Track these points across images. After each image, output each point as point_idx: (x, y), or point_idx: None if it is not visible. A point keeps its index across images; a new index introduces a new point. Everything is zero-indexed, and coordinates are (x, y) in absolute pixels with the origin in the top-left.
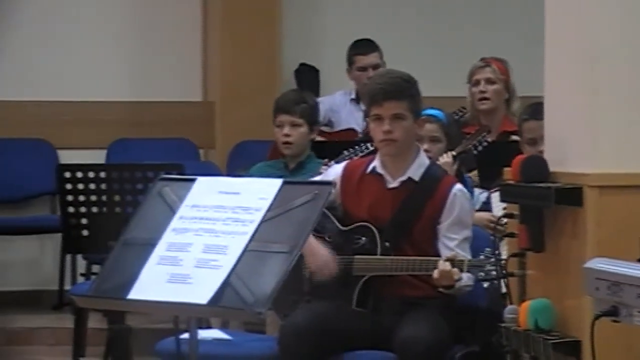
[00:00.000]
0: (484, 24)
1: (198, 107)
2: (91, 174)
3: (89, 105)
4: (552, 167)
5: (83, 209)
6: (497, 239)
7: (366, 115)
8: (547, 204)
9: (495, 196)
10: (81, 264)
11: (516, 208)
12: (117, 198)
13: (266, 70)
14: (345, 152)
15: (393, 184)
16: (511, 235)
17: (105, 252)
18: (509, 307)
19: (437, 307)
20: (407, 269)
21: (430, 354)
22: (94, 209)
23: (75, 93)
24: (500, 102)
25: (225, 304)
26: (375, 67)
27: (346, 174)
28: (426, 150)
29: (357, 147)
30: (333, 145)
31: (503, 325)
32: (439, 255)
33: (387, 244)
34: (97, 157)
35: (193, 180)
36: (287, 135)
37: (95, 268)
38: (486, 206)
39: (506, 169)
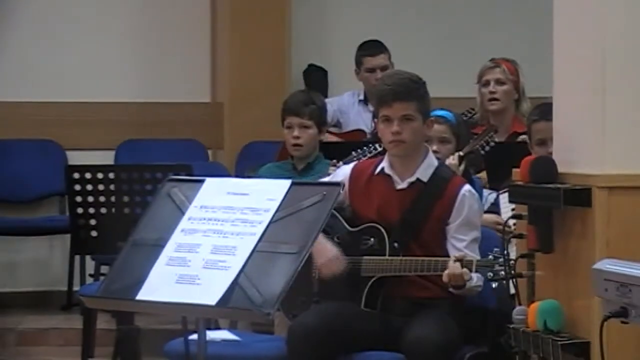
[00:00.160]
0: (493, 24)
1: (206, 108)
2: (100, 175)
3: (97, 106)
4: (561, 168)
5: (92, 210)
6: (506, 240)
7: (375, 116)
8: (556, 204)
9: (504, 197)
10: (90, 264)
11: (525, 209)
12: (125, 199)
13: (275, 71)
14: (354, 153)
15: (401, 184)
16: (520, 236)
17: (114, 253)
18: (518, 308)
19: (446, 308)
20: (415, 270)
21: (439, 355)
22: (103, 210)
23: (84, 94)
24: (509, 102)
25: (233, 304)
26: (384, 68)
27: (355, 175)
28: (435, 151)
29: (365, 148)
30: (341, 146)
31: (512, 326)
32: (447, 256)
33: (395, 244)
34: (106, 158)
35: (202, 181)
36: (296, 137)
37: (104, 269)
38: (495, 207)
39: (515, 169)
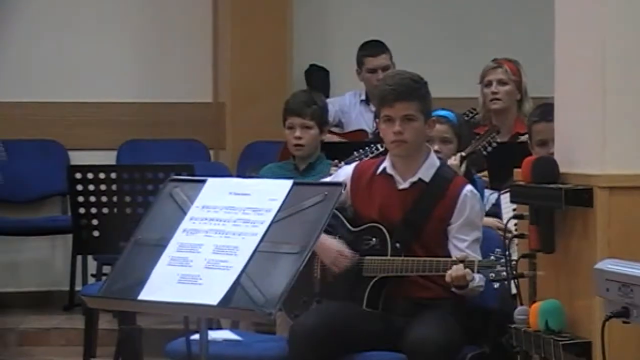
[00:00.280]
0: (494, 24)
1: (208, 108)
2: (102, 175)
3: (99, 106)
4: (563, 168)
5: (94, 210)
6: (508, 242)
7: (376, 116)
8: (557, 205)
9: (505, 198)
10: (92, 264)
11: (526, 209)
12: (127, 199)
13: (276, 72)
14: (355, 153)
15: (403, 184)
16: (521, 236)
17: (116, 253)
18: (520, 308)
19: (447, 308)
20: (417, 270)
21: (441, 355)
22: (105, 210)
23: (86, 94)
24: (512, 102)
25: (235, 304)
26: (385, 68)
27: (356, 175)
28: (437, 151)
29: (367, 148)
30: (343, 146)
31: (513, 326)
32: (449, 256)
33: (397, 244)
34: (108, 158)
35: (203, 181)
36: (298, 138)
37: (106, 269)
38: (496, 208)
39: (516, 170)
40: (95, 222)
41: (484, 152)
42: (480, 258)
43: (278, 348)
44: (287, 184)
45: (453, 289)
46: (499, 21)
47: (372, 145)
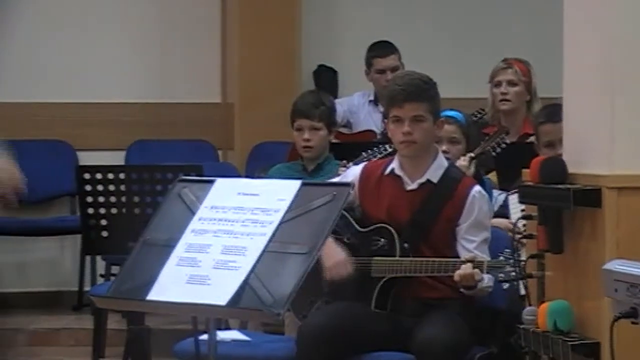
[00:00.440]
0: (502, 24)
1: (217, 108)
2: (110, 175)
3: (108, 106)
4: (571, 169)
5: (102, 210)
6: (517, 243)
7: (385, 116)
8: (565, 205)
9: (513, 198)
10: (100, 264)
11: (535, 209)
12: (136, 199)
13: (285, 72)
14: (364, 154)
15: (411, 185)
16: (530, 236)
17: (124, 253)
18: (528, 308)
19: (456, 309)
20: (425, 271)
21: (449, 355)
22: (114, 210)
23: (94, 95)
24: (521, 103)
25: (244, 305)
26: (394, 69)
27: (365, 176)
28: (445, 152)
29: (375, 148)
30: (351, 147)
31: (522, 326)
32: (457, 257)
33: (405, 245)
34: (116, 158)
35: (212, 181)
36: (307, 140)
37: (115, 269)
38: (504, 208)
39: (525, 170)
40: (104, 222)
41: (493, 153)
42: (488, 259)
43: (286, 348)
44: (295, 184)
45: (461, 290)
46: (508, 21)
47: (380, 146)
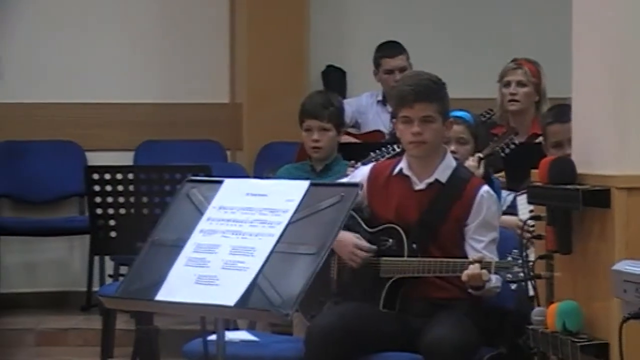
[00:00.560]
0: (511, 25)
1: (225, 108)
2: (119, 176)
3: (116, 107)
4: (580, 169)
5: (111, 211)
6: (526, 243)
7: (393, 116)
8: (574, 205)
9: (522, 199)
10: (109, 265)
11: (544, 210)
12: (144, 199)
13: (293, 72)
14: (372, 154)
15: (420, 185)
16: (539, 237)
17: (133, 254)
18: (537, 309)
19: (464, 309)
20: (434, 271)
21: (457, 356)
22: (122, 211)
23: (103, 95)
24: (530, 104)
25: (252, 305)
26: (402, 69)
27: (373, 176)
28: (453, 152)
29: (383, 148)
30: (360, 147)
31: (531, 327)
32: (465, 257)
33: (414, 245)
34: (125, 158)
35: (220, 182)
36: (316, 141)
37: (123, 269)
38: (512, 209)
39: (534, 170)
40: (112, 222)
41: (502, 154)
42: (496, 259)
43: (295, 349)
44: (304, 184)
45: (469, 290)
46: (516, 21)
47: (388, 146)
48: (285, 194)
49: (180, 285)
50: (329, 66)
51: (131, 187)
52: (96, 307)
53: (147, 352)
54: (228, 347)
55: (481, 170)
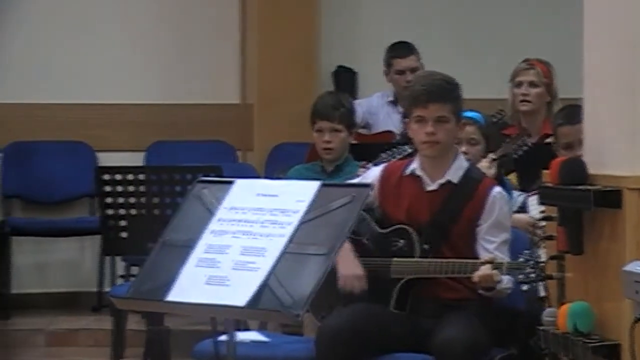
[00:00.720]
0: (522, 25)
1: (236, 109)
2: (130, 176)
3: (127, 107)
4: (591, 170)
5: (122, 211)
6: (536, 241)
7: (405, 116)
8: (586, 206)
9: (533, 200)
10: (120, 265)
11: (555, 210)
12: (155, 200)
13: (304, 73)
14: (383, 155)
15: (432, 186)
16: (550, 237)
17: (144, 254)
18: (548, 309)
19: (475, 310)
20: (445, 272)
21: (469, 356)
22: (133, 211)
23: (114, 96)
24: (541, 105)
25: (263, 306)
26: (413, 70)
27: (385, 176)
28: (464, 153)
29: (394, 149)
30: (371, 148)
31: (542, 328)
32: (477, 258)
33: (425, 246)
34: (136, 159)
35: (231, 182)
36: (327, 142)
37: (134, 270)
38: (523, 210)
39: (545, 171)
40: (123, 223)
41: (515, 155)
42: (508, 260)
43: (305, 349)
44: (314, 185)
45: (480, 291)
46: (527, 21)
47: (399, 147)
48: (296, 195)
49: (191, 285)
50: (340, 67)
51: (142, 188)
52: (107, 307)
53: (158, 352)
54: (239, 347)
55: (493, 171)
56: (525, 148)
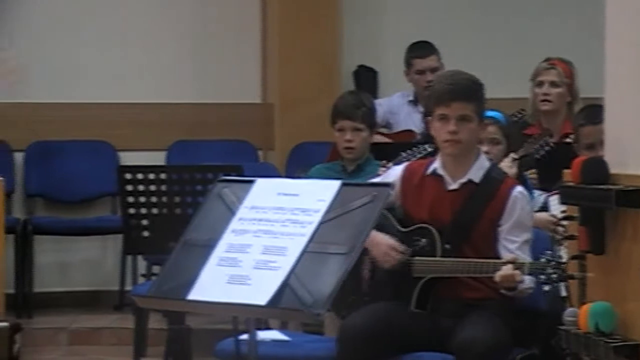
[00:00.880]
0: (542, 24)
1: (257, 108)
2: (151, 176)
3: (149, 107)
4: (613, 169)
5: (143, 210)
6: (556, 240)
7: (426, 115)
8: (607, 206)
9: (554, 199)
10: (142, 264)
11: (576, 210)
12: (177, 199)
13: (325, 72)
14: (403, 154)
15: (453, 185)
16: (571, 237)
17: (165, 253)
18: (569, 309)
19: (496, 309)
20: (467, 272)
21: (489, 356)
22: (154, 210)
23: (135, 95)
24: (562, 105)
25: (284, 305)
26: (434, 70)
27: (407, 175)
28: (486, 152)
29: (415, 148)
30: (391, 147)
31: (563, 328)
32: (498, 258)
33: (447, 245)
34: (157, 158)
35: (252, 181)
36: (349, 141)
37: (156, 269)
38: (545, 210)
39: (566, 170)
40: (145, 222)
41: (537, 155)
42: (530, 260)
43: (326, 348)
44: (335, 184)
45: (502, 291)
46: (547, 21)
47: (419, 146)
48: (316, 194)
49: (212, 284)
50: (361, 66)
51: (163, 187)
52: (129, 306)
53: (179, 351)
54: (260, 346)
55: (514, 171)
56: (547, 148)
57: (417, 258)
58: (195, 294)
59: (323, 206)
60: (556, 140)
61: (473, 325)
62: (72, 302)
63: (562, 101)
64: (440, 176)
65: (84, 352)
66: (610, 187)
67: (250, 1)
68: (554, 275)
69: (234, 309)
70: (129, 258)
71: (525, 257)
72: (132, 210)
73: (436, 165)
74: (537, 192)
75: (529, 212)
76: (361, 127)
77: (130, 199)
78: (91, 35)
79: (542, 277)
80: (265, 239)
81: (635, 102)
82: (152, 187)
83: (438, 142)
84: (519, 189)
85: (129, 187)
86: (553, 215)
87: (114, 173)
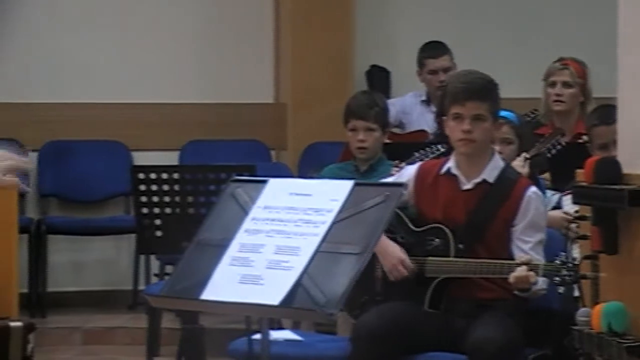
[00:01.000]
0: (554, 24)
1: (270, 108)
2: (164, 175)
3: (162, 107)
4: (626, 169)
5: (157, 210)
6: (569, 239)
7: (439, 114)
8: (620, 205)
9: (567, 199)
10: (155, 264)
11: (589, 210)
12: (190, 199)
13: (338, 72)
14: (416, 154)
15: (467, 185)
16: (584, 237)
17: (178, 253)
18: (582, 309)
19: (509, 310)
20: (480, 272)
21: (502, 356)
22: (168, 210)
23: (148, 95)
24: (574, 105)
25: (296, 305)
26: (446, 70)
27: (420, 175)
28: (499, 152)
29: (427, 148)
30: (404, 147)
31: (576, 328)
32: (512, 258)
33: (460, 246)
34: (170, 158)
35: (265, 181)
36: (362, 141)
37: (169, 268)
38: (558, 209)
39: (579, 170)
40: (158, 222)
41: (548, 155)
42: (543, 260)
43: (339, 348)
44: (348, 184)
45: (516, 292)
46: (559, 20)
47: (432, 146)
48: (329, 194)
49: (225, 284)
50: (373, 66)
51: (176, 187)
52: (142, 305)
53: (192, 350)
54: (273, 346)
55: (526, 170)
56: (559, 147)
57: (430, 258)
58: (208, 294)
59: (336, 206)
60: (568, 140)
61: (486, 325)
62: (85, 302)
63: (575, 101)
64: (454, 176)
65: (97, 351)
66: (623, 187)
67: (264, 1)
68: (569, 277)
69: (247, 309)
70: (142, 258)
71: (539, 257)
72: (145, 210)
73: (450, 164)
74: (549, 192)
75: (543, 212)
76: (374, 127)
77: (144, 199)
78: (104, 36)
79: (557, 279)
80: (278, 239)
81: None
82: (165, 187)
83: (452, 141)
84: (534, 189)
85: (142, 187)
86: (566, 213)
87: (128, 173)
